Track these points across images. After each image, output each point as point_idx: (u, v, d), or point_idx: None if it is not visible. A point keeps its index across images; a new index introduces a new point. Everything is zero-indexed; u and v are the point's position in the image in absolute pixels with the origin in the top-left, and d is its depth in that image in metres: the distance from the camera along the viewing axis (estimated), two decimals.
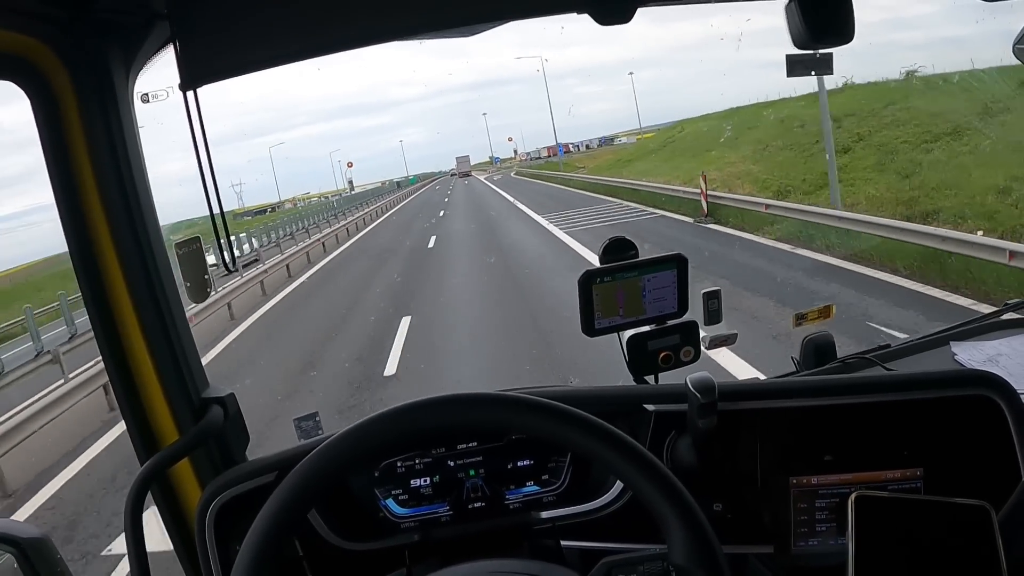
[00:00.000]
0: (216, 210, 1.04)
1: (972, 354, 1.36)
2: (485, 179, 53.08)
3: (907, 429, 1.02)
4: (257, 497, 1.02)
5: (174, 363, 1.06)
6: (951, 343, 1.41)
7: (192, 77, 1.00)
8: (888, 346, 1.44)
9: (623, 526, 1.04)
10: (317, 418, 1.23)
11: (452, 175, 64.11)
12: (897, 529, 0.83)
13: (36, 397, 6.65)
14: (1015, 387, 1.20)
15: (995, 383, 1.02)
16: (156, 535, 1.07)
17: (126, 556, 1.00)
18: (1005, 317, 1.50)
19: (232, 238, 1.10)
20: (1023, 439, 1.00)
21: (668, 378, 1.23)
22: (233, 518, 1.04)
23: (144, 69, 1.06)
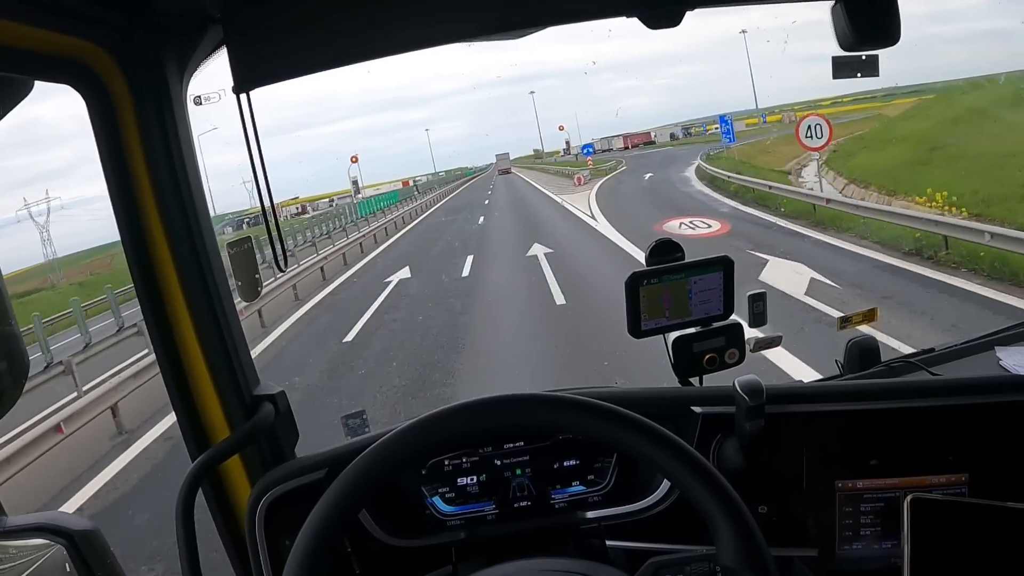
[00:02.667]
0: (268, 209, 1.06)
1: (1017, 359, 1.35)
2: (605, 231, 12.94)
3: (953, 434, 1.02)
4: (307, 494, 1.03)
5: (226, 361, 1.07)
6: (996, 348, 1.39)
7: (244, 80, 1.02)
8: (932, 350, 1.43)
9: (669, 527, 1.04)
10: (364, 416, 1.24)
11: (499, 172, 55.78)
12: (951, 532, 0.83)
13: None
14: None
15: None
16: None
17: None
18: None
19: None
20: None
21: (713, 380, 1.23)
22: (282, 514, 1.05)
23: (197, 72, 1.08)
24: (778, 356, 4.95)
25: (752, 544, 0.72)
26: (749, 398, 0.97)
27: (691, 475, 0.75)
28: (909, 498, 0.83)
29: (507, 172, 53.01)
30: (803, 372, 4.76)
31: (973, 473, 1.01)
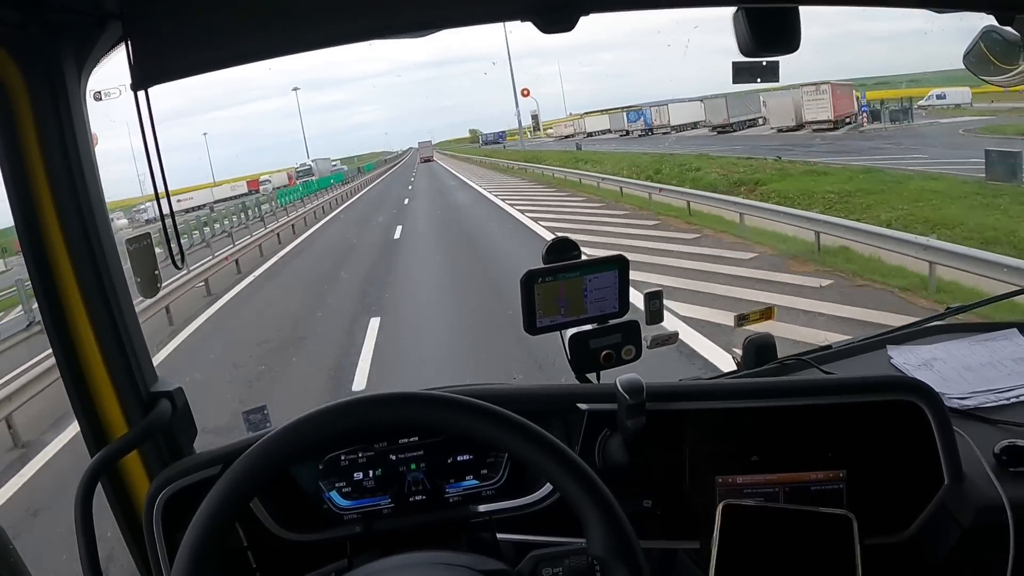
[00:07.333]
0: (166, 209, 1.07)
1: (908, 358, 1.40)
2: None
3: (833, 432, 1.06)
4: (204, 489, 1.04)
5: (123, 358, 1.08)
6: (888, 346, 1.45)
7: (144, 77, 1.02)
8: (830, 347, 1.48)
9: (555, 520, 1.07)
10: (265, 411, 1.25)
11: (421, 160, 54.64)
12: (761, 537, 0.93)
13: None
14: (948, 391, 1.24)
15: (921, 390, 1.06)
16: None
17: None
18: (944, 322, 1.54)
19: None
20: (946, 445, 1.04)
21: (611, 376, 1.26)
22: (180, 510, 1.06)
23: (97, 68, 1.08)
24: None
25: (620, 534, 0.75)
26: (629, 396, 1.01)
27: (559, 469, 0.77)
28: (722, 504, 0.93)
29: (429, 160, 53.05)
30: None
31: (851, 470, 1.05)
